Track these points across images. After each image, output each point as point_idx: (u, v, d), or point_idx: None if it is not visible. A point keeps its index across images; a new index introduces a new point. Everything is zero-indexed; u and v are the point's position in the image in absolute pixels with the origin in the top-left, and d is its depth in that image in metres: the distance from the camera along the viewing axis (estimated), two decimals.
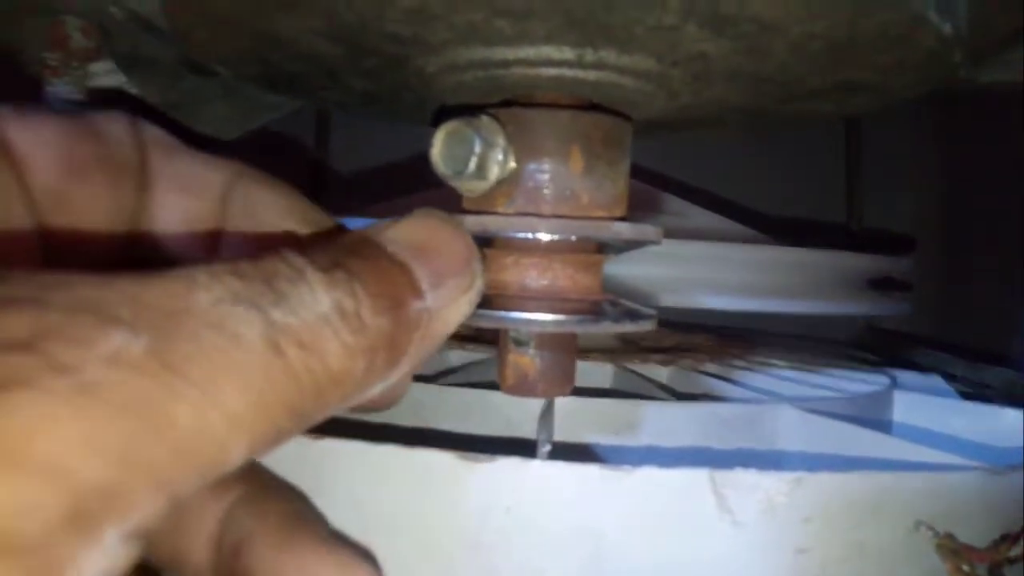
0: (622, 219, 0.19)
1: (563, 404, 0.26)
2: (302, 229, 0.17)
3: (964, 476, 0.21)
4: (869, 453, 0.25)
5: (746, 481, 0.19)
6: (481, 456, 0.19)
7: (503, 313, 0.18)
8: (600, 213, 0.19)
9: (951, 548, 0.19)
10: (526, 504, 0.19)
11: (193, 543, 0.16)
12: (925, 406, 0.32)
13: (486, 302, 0.19)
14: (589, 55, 0.16)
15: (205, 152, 0.18)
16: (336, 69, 0.18)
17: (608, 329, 0.18)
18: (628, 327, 0.19)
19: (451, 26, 0.15)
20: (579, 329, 0.18)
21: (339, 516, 0.20)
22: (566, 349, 0.20)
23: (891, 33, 0.14)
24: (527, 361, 0.19)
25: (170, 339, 0.11)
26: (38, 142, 0.16)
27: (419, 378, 0.28)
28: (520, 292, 0.19)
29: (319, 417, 0.13)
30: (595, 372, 0.33)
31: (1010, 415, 0.31)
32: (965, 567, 0.19)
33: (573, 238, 0.18)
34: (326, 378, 0.12)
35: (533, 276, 0.19)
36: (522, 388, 0.19)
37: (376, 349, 0.13)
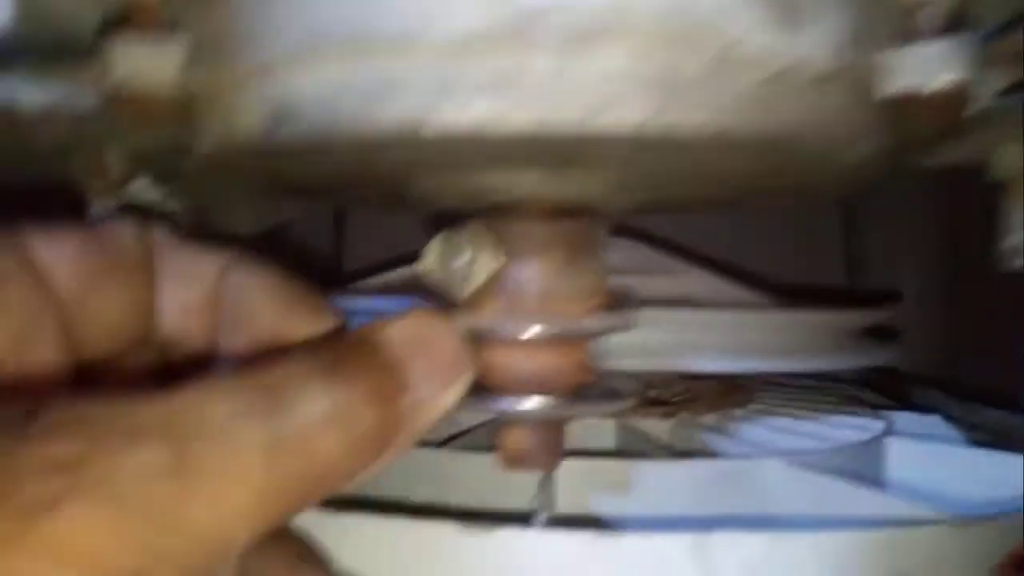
0: (600, 307, 0.21)
1: (565, 466, 0.28)
2: (290, 311, 0.19)
3: (935, 530, 0.23)
4: (856, 508, 0.27)
5: (726, 542, 0.21)
6: (481, 526, 0.21)
7: (492, 402, 0.20)
8: (576, 307, 0.21)
9: None
10: (524, 572, 0.21)
11: None
12: (917, 453, 0.33)
13: (477, 390, 0.21)
14: (555, 176, 0.18)
15: (202, 245, 0.20)
16: (330, 195, 0.20)
17: (587, 413, 0.21)
18: (604, 409, 0.21)
19: (441, 168, 0.17)
20: (559, 414, 0.21)
21: None
22: (555, 426, 0.22)
23: (802, 166, 0.17)
24: (517, 441, 0.21)
25: (189, 451, 0.13)
26: (60, 257, 0.18)
27: (429, 443, 0.30)
28: (506, 381, 0.21)
29: (312, 502, 0.15)
30: (599, 429, 0.35)
31: (1002, 460, 0.33)
32: None
33: (551, 333, 0.21)
34: (319, 474, 0.15)
35: (518, 366, 0.21)
36: (517, 464, 0.22)
37: (365, 443, 0.16)
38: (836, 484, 0.27)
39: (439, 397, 0.17)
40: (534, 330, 0.20)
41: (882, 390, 0.46)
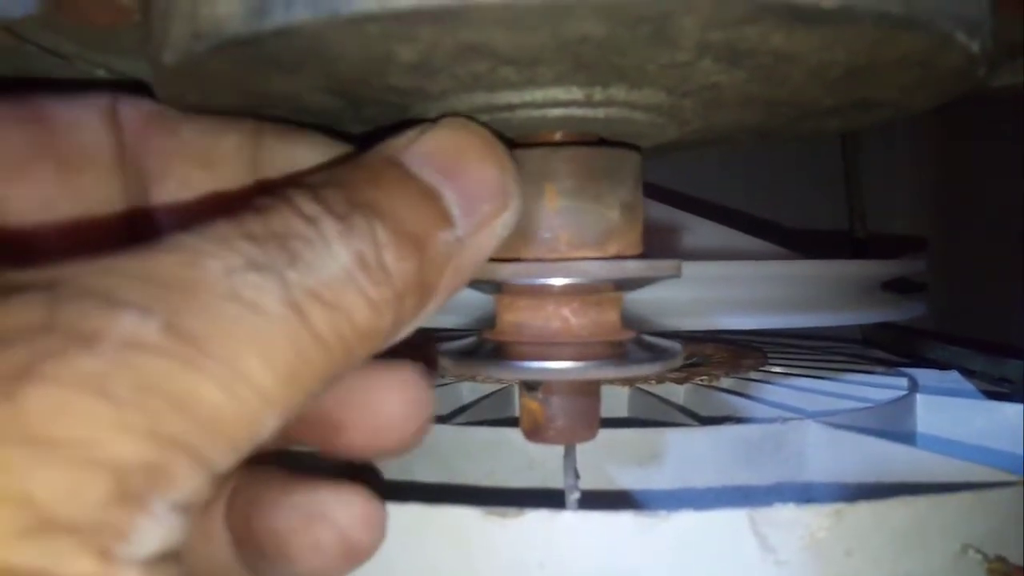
0: (634, 256, 0.18)
1: None
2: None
3: (1006, 493, 0.20)
4: (900, 468, 0.25)
5: (786, 517, 0.19)
6: (509, 510, 0.19)
7: (517, 363, 0.17)
8: (584, 252, 0.18)
9: (1003, 571, 0.18)
10: (559, 558, 0.18)
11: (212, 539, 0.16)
12: (947, 408, 0.31)
13: (498, 351, 0.18)
14: (598, 94, 0.15)
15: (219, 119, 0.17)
16: (334, 119, 0.17)
17: (630, 373, 0.18)
18: (651, 369, 0.18)
19: (454, 76, 0.14)
20: (598, 375, 0.18)
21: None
22: (586, 393, 0.19)
23: (914, 57, 0.14)
24: (537, 408, 0.18)
25: (186, 315, 0.10)
26: None
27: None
28: (533, 338, 0.18)
29: (348, 371, 0.12)
30: (609, 396, 0.32)
31: None
32: None
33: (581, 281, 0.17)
34: (354, 336, 0.12)
35: (545, 320, 0.18)
36: (537, 435, 0.19)
37: (403, 295, 0.13)
38: (879, 443, 0.25)
39: (486, 231, 0.14)
40: (560, 279, 0.17)
41: (885, 347, 0.45)
